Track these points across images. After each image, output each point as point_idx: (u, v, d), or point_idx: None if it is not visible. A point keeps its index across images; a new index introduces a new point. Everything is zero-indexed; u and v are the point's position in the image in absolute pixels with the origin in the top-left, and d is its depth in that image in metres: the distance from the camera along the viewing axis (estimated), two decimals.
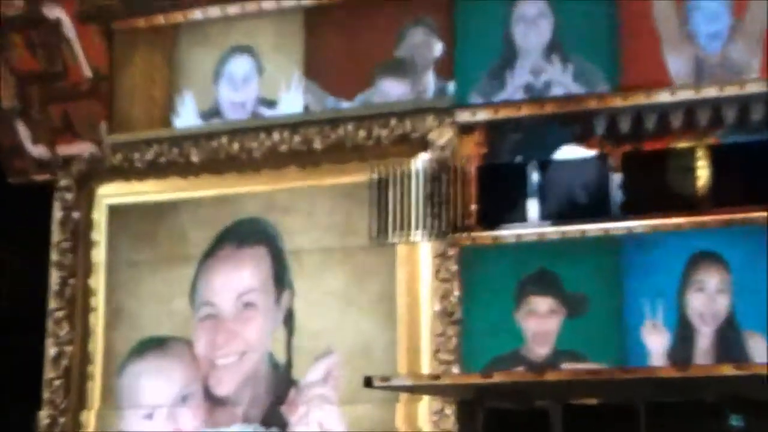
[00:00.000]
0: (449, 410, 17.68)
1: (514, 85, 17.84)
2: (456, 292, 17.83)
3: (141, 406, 19.06)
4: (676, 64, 17.27)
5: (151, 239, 19.58)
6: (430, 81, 18.34)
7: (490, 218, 17.83)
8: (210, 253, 19.17)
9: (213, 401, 18.85)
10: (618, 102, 17.24)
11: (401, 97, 18.43)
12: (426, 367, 17.85)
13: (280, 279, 18.75)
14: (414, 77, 18.42)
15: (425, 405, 17.83)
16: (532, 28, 17.94)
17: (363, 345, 18.26)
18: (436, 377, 16.87)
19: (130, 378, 19.33)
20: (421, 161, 18.11)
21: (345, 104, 18.74)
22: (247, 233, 18.97)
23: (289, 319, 18.63)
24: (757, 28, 17.07)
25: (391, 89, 18.53)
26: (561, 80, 17.61)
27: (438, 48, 18.38)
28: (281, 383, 18.57)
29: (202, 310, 19.08)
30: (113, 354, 19.51)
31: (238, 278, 18.93)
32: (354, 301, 18.38)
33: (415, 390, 17.45)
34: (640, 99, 17.15)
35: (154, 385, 19.13)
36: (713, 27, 17.28)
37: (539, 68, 17.75)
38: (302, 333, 18.53)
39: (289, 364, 18.53)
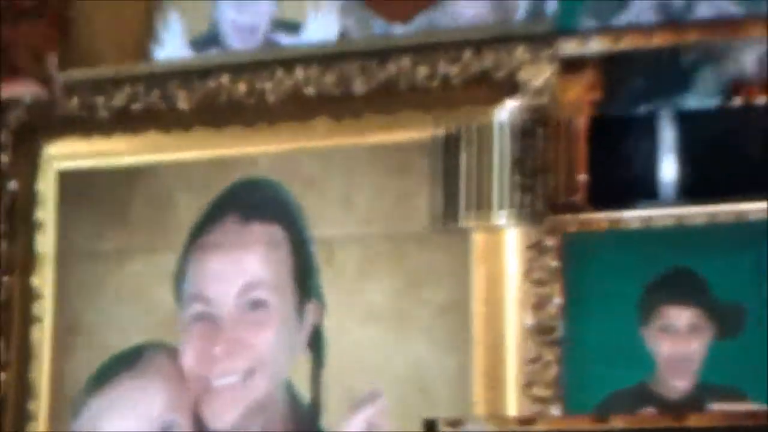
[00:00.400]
0: None
1: (642, 3, 17.92)
2: (556, 300, 17.59)
3: None
4: None
5: (120, 219, 19.24)
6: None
7: (606, 193, 17.65)
8: (203, 228, 18.91)
9: None
10: None
11: (479, 21, 18.61)
12: (513, 406, 17.50)
13: (303, 282, 18.43)
14: None
15: None
16: None
17: (421, 379, 17.82)
18: (529, 421, 16.89)
19: (90, 419, 19.39)
20: (506, 111, 18.12)
21: (399, 30, 18.95)
22: (256, 203, 18.64)
23: (316, 343, 18.26)
24: None
25: (465, 10, 18.71)
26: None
27: None
28: (305, 428, 18.40)
29: (191, 307, 18.55)
30: (65, 385, 19.01)
31: (243, 265, 18.44)
32: (407, 318, 18.14)
33: None
34: None
35: (122, 417, 18.97)
36: None
37: None
38: (335, 365, 18.25)
39: (316, 406, 18.21)
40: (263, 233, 19.11)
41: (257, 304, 19.04)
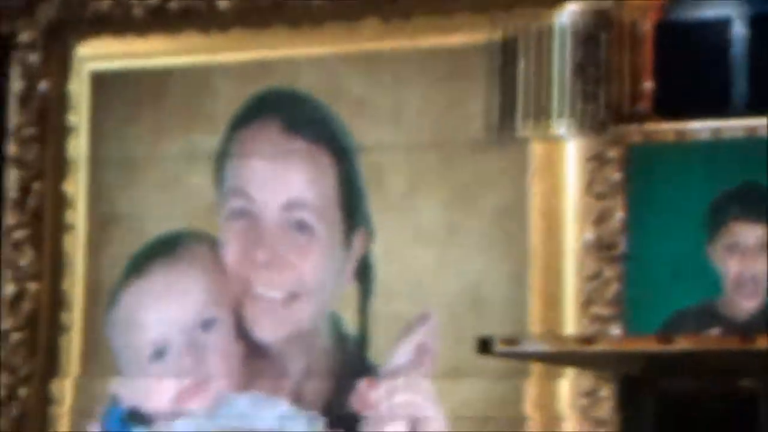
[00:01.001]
0: (605, 391, 17.44)
1: None
2: (619, 214, 17.39)
3: (144, 344, 19.02)
4: None
5: (156, 119, 19.32)
6: None
7: (673, 102, 17.33)
8: (242, 124, 18.92)
9: (250, 345, 18.65)
10: None
11: None
12: (571, 325, 17.55)
13: (351, 210, 18.40)
14: None
15: (569, 383, 17.59)
16: None
17: (474, 296, 17.92)
18: (590, 341, 16.18)
19: (126, 310, 19.25)
20: (568, 14, 17.55)
21: None
22: (303, 117, 18.59)
23: (364, 274, 18.30)
24: None
25: None
26: None
27: None
28: (351, 364, 18.34)
29: (233, 200, 18.80)
30: (100, 290, 19.39)
31: (285, 176, 18.54)
32: (463, 231, 17.99)
33: (556, 359, 16.83)
34: None
35: (162, 310, 19.02)
36: None
37: None
38: (384, 290, 18.19)
39: (363, 339, 18.24)
40: (308, 154, 18.40)
41: (302, 226, 18.43)
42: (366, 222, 18.34)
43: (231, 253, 18.69)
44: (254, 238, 18.60)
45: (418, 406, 17.96)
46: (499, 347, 17.00)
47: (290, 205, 18.48)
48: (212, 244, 18.74)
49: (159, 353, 18.92)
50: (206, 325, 18.74)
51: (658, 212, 17.35)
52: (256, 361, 18.59)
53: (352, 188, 18.44)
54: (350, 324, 18.36)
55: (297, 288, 18.46)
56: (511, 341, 17.23)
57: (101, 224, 19.49)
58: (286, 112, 18.67)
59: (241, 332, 18.65)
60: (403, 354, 18.06)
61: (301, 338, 18.45)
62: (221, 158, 18.88)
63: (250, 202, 18.64)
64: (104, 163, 19.51)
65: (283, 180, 18.51)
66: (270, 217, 18.54)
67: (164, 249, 19.05)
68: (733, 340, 16.54)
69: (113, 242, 19.39)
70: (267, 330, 18.56)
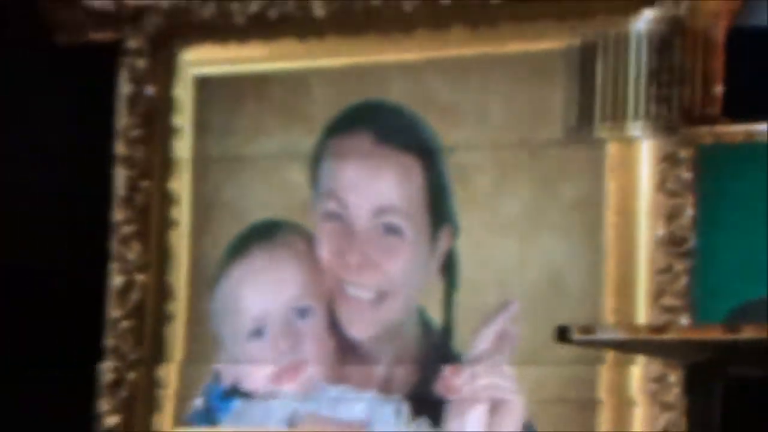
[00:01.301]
0: (674, 377, 17.58)
1: None
2: (689, 211, 17.73)
3: (245, 322, 19.39)
4: None
5: (255, 120, 19.76)
6: None
7: (743, 105, 17.57)
8: (337, 132, 19.32)
9: (340, 341, 19.04)
10: None
11: None
12: (643, 315, 17.84)
13: (438, 208, 18.79)
14: None
15: (639, 369, 17.82)
16: None
17: (552, 286, 18.25)
18: (660, 330, 16.42)
19: (229, 289, 19.64)
20: (643, 21, 17.94)
21: None
22: (390, 127, 19.04)
23: (450, 268, 18.69)
24: None
25: None
26: None
27: None
28: (436, 353, 18.68)
29: (325, 202, 19.21)
30: (202, 280, 19.85)
31: (377, 185, 18.99)
32: (542, 226, 18.36)
33: (628, 347, 16.56)
34: None
35: (262, 290, 19.43)
36: None
37: None
38: (468, 283, 18.58)
39: (448, 328, 18.67)
40: (397, 161, 19.02)
41: (391, 230, 19.08)
42: (451, 219, 18.76)
43: (324, 251, 19.12)
44: (346, 241, 19.01)
45: (499, 389, 18.35)
46: (576, 335, 17.47)
47: (380, 211, 18.91)
48: (308, 238, 19.20)
49: (257, 332, 19.31)
50: (302, 313, 19.20)
51: (727, 209, 17.69)
52: (346, 353, 19.06)
53: (438, 188, 18.84)
54: (435, 315, 18.74)
55: (386, 287, 18.88)
56: (587, 330, 17.67)
57: (204, 219, 19.97)
58: (378, 123, 19.13)
59: (334, 326, 19.10)
60: (485, 341, 18.44)
61: (390, 333, 18.92)
62: (316, 161, 19.32)
63: (342, 206, 19.04)
64: (207, 162, 20.01)
65: (374, 187, 18.96)
66: (361, 222, 18.97)
67: (264, 233, 19.47)
68: None
69: (215, 235, 19.83)
70: (357, 329, 18.98)
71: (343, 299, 19.01)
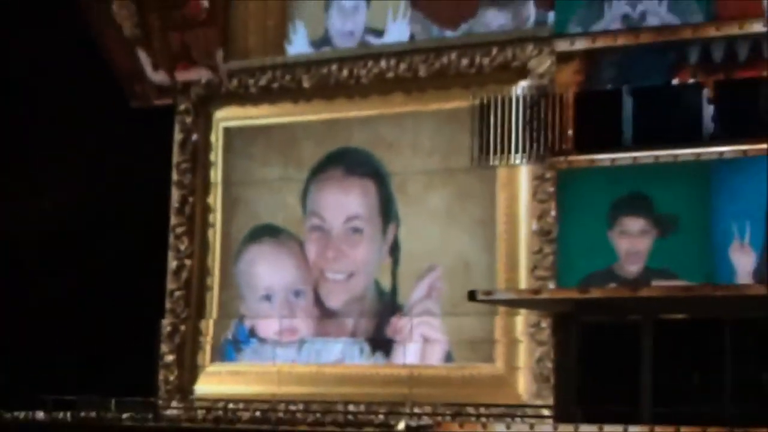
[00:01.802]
0: (545, 323, 17.94)
1: (612, 15, 17.70)
2: (553, 212, 17.96)
3: (259, 287, 19.46)
4: None
5: (264, 158, 19.82)
6: (530, 11, 18.40)
7: (587, 143, 17.69)
8: (319, 171, 19.43)
9: (323, 311, 19.20)
10: (712, 31, 17.10)
11: (502, 27, 18.46)
12: (523, 282, 18.08)
13: (386, 212, 19.09)
14: (515, 7, 18.45)
15: (522, 318, 18.07)
16: None
17: (464, 261, 18.43)
18: (537, 292, 17.07)
19: (247, 264, 19.73)
20: (521, 88, 18.19)
21: (449, 33, 18.80)
22: (355, 163, 19.27)
23: (394, 250, 18.97)
24: None
25: (493, 19, 18.57)
26: (657, 11, 17.46)
27: None
28: (387, 308, 18.92)
29: (311, 219, 19.43)
30: (229, 263, 19.80)
31: (346, 201, 19.32)
32: (456, 221, 18.55)
33: (516, 304, 17.72)
34: (733, 29, 16.96)
35: (271, 271, 19.50)
36: None
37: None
38: (406, 257, 18.79)
39: (394, 290, 18.91)
40: (360, 185, 19.36)
41: (356, 230, 19.49)
42: (396, 218, 19.01)
43: (311, 252, 19.41)
44: (325, 243, 19.33)
45: (429, 331, 18.54)
46: (481, 296, 17.54)
47: (349, 219, 19.25)
48: (300, 243, 19.46)
49: (267, 297, 19.54)
50: (296, 293, 19.43)
51: (578, 210, 17.72)
52: (327, 319, 19.23)
53: (387, 199, 19.10)
54: (386, 283, 19.00)
55: (353, 269, 19.20)
56: (488, 293, 17.80)
57: (229, 222, 19.96)
58: (346, 161, 19.34)
59: (318, 302, 19.34)
60: (419, 291, 18.73)
61: (355, 299, 19.18)
62: (305, 192, 19.48)
63: (323, 221, 19.37)
64: (232, 184, 20.06)
65: (344, 203, 19.29)
66: (336, 228, 19.31)
67: (271, 231, 19.66)
68: (628, 290, 17.05)
69: (238, 229, 19.90)
70: (334, 300, 19.26)
71: (324, 282, 19.28)
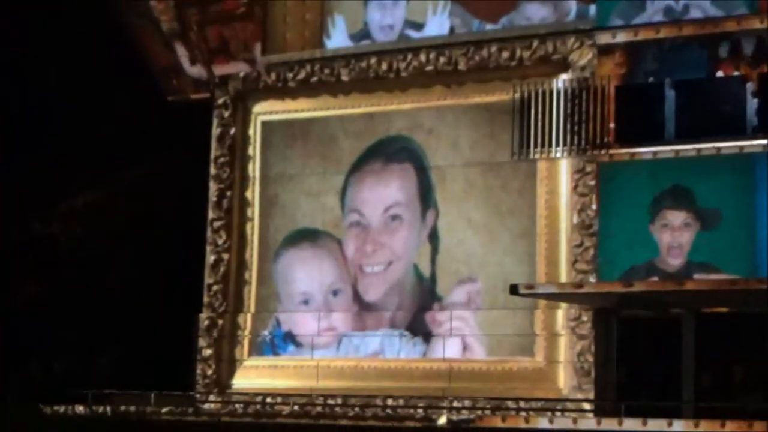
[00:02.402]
0: (586, 317, 17.71)
1: (654, 8, 17.62)
2: (594, 206, 17.76)
3: (296, 292, 19.35)
4: None
5: (302, 148, 19.70)
6: (571, 3, 18.20)
7: (628, 136, 17.63)
8: (358, 166, 19.34)
9: (361, 305, 19.10)
10: (757, 24, 16.94)
11: (543, 20, 18.31)
12: (564, 276, 17.86)
13: (426, 197, 18.93)
14: (556, 0, 18.31)
15: (562, 312, 17.86)
16: None
17: (503, 255, 18.18)
18: (580, 286, 16.96)
19: (285, 267, 19.62)
20: (561, 81, 17.97)
21: (489, 26, 18.66)
22: (394, 150, 19.12)
23: (433, 237, 18.81)
24: None
25: (534, 12, 18.44)
26: (700, 3, 17.37)
27: None
28: (426, 294, 18.79)
29: (350, 216, 19.32)
30: (267, 258, 19.66)
31: (385, 192, 19.14)
32: (495, 216, 18.28)
33: (558, 298, 17.59)
34: None
35: (308, 274, 19.40)
36: None
37: None
38: (446, 252, 18.59)
39: (433, 279, 18.75)
40: (399, 171, 19.13)
41: (395, 217, 19.24)
42: (435, 205, 18.78)
43: (350, 249, 19.23)
44: (364, 238, 19.14)
45: (466, 329, 18.36)
46: (523, 290, 17.64)
47: (388, 208, 19.04)
48: (339, 242, 19.28)
49: (305, 301, 19.43)
50: (335, 293, 19.27)
51: (619, 203, 17.63)
52: (365, 313, 19.02)
53: (426, 185, 18.85)
54: (425, 269, 18.78)
55: (392, 258, 19.00)
56: (530, 287, 17.74)
57: (267, 217, 19.82)
58: (386, 151, 19.12)
59: (357, 297, 19.16)
60: (457, 295, 18.52)
61: (395, 287, 18.96)
62: (344, 189, 19.30)
63: (362, 216, 19.20)
64: (270, 179, 19.88)
65: (383, 194, 19.07)
66: (375, 221, 19.13)
67: (309, 235, 19.50)
68: (672, 284, 17.08)
69: (275, 230, 19.75)
70: (373, 293, 19.08)
71: (362, 276, 19.10)
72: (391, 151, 19.05)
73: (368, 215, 19.08)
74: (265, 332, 19.59)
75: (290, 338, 19.46)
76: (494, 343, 18.16)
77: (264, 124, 20.01)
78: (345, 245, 19.17)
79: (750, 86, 17.01)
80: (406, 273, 18.83)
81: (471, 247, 18.49)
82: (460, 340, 18.33)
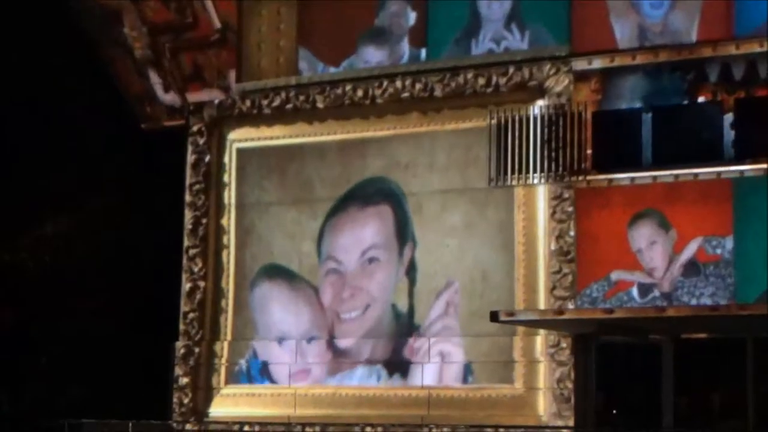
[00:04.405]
0: (565, 343, 17.36)
1: (479, 50, 17.93)
2: (571, 232, 17.41)
3: (271, 329, 18.95)
4: (622, 30, 17.53)
5: (278, 181, 19.34)
6: (404, 47, 18.37)
7: (605, 162, 17.20)
8: (335, 212, 18.94)
9: (336, 351, 18.67)
10: (732, 50, 16.53)
11: (380, 64, 18.42)
12: (542, 302, 17.51)
13: (403, 233, 18.59)
14: (391, 44, 18.48)
15: (541, 338, 17.53)
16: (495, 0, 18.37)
17: (480, 284, 17.84)
18: (561, 312, 16.60)
19: (261, 299, 19.22)
20: (538, 107, 17.65)
21: (333, 69, 18.61)
22: (371, 192, 18.75)
23: (411, 270, 18.48)
24: None
25: (371, 56, 18.59)
26: (517, 45, 17.88)
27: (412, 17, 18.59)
28: (403, 330, 18.41)
29: (327, 263, 18.97)
30: (244, 287, 19.29)
31: (363, 236, 18.77)
32: (473, 240, 17.99)
33: (539, 324, 17.26)
34: (753, 47, 16.41)
35: (284, 315, 18.98)
36: None
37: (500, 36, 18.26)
38: (423, 276, 18.29)
39: (411, 311, 18.41)
40: (376, 213, 18.68)
41: (372, 260, 18.74)
42: (413, 237, 18.42)
43: (326, 297, 18.76)
44: (341, 285, 18.69)
45: (446, 352, 17.90)
46: (503, 317, 17.24)
47: (365, 252, 18.64)
48: (315, 289, 18.80)
49: (280, 340, 18.94)
50: (309, 339, 18.79)
51: (757, 223, 16.57)
52: (341, 358, 18.55)
53: (403, 220, 18.50)
54: (402, 304, 18.40)
55: (369, 301, 18.60)
56: (510, 313, 17.34)
57: (243, 244, 19.39)
58: (362, 194, 18.68)
59: (331, 344, 18.67)
60: (437, 308, 18.10)
61: (372, 330, 18.53)
62: (320, 236, 18.85)
63: (339, 264, 18.75)
64: (246, 207, 19.44)
65: (360, 237, 18.66)
66: (351, 266, 18.69)
67: (285, 273, 19.02)
68: (652, 311, 16.59)
69: (251, 258, 19.32)
70: (348, 340, 18.61)
71: (339, 323, 18.67)
72: (367, 193, 18.65)
73: (345, 261, 18.68)
74: (242, 361, 19.12)
75: (266, 370, 18.96)
76: (473, 369, 17.72)
77: (239, 151, 19.57)
78: (321, 293, 18.77)
79: (726, 112, 16.73)
80: (384, 313, 18.45)
81: (447, 270, 17.99)
82: (439, 366, 17.85)
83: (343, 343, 18.61)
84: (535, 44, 17.71)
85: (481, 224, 17.94)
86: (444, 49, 18.13)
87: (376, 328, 18.47)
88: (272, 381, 18.91)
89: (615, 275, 17.04)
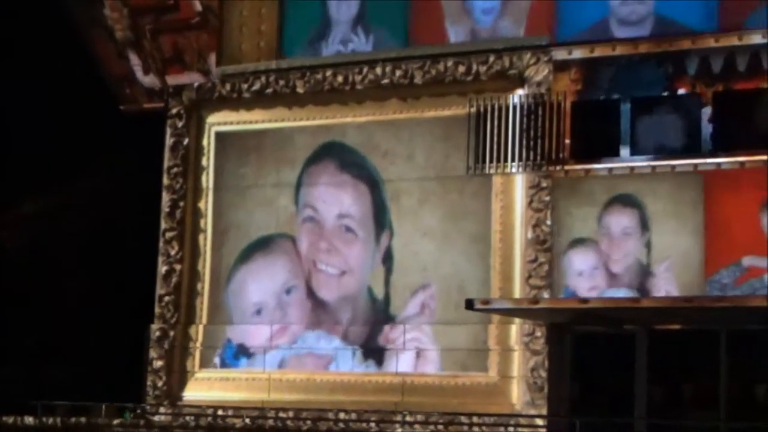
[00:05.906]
0: (539, 332, 17.30)
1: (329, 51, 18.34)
2: (548, 221, 17.33)
3: (249, 305, 18.81)
4: (456, 33, 17.91)
5: (257, 163, 19.16)
6: None
7: (583, 152, 17.18)
8: (312, 162, 18.76)
9: (315, 301, 18.52)
10: (711, 42, 16.44)
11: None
12: (518, 291, 17.44)
13: (381, 219, 18.48)
14: None
15: (516, 327, 17.45)
16: (343, 2, 18.62)
17: (458, 271, 17.79)
18: (536, 301, 16.55)
19: (238, 282, 19.08)
20: (517, 96, 17.57)
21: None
22: (349, 161, 18.63)
23: (387, 259, 18.40)
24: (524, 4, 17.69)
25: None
26: (363, 48, 18.19)
27: None
28: (379, 316, 18.34)
29: (304, 211, 18.83)
30: (220, 271, 19.15)
31: (339, 197, 18.62)
32: (450, 230, 17.89)
33: (514, 313, 17.18)
34: (732, 40, 16.32)
35: (261, 283, 18.87)
36: (488, 3, 17.90)
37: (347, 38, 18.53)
38: (400, 268, 18.17)
39: (387, 299, 18.32)
40: (353, 186, 18.56)
41: (348, 229, 18.72)
42: (390, 226, 18.32)
43: (303, 244, 18.66)
44: (318, 235, 18.58)
45: (421, 341, 17.87)
46: (479, 305, 17.19)
47: (341, 216, 18.47)
48: (293, 239, 18.69)
49: (258, 311, 18.84)
50: (288, 290, 18.62)
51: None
52: (319, 311, 18.49)
53: (380, 205, 18.40)
54: (378, 291, 18.31)
55: (345, 268, 18.46)
56: (486, 301, 17.26)
57: (221, 229, 19.27)
58: (340, 157, 18.61)
59: (310, 293, 18.58)
60: (412, 307, 18.07)
61: (348, 299, 18.43)
62: (298, 187, 18.77)
63: (316, 212, 18.62)
64: (224, 190, 19.29)
65: (337, 199, 18.55)
66: (329, 222, 18.57)
67: (262, 245, 18.95)
68: (628, 301, 16.62)
69: (229, 241, 19.18)
70: (326, 293, 18.52)
71: (316, 273, 18.57)
72: (345, 159, 18.55)
73: (322, 212, 18.57)
74: (217, 344, 18.93)
75: (242, 351, 18.80)
76: (447, 357, 17.65)
77: (218, 134, 19.40)
78: (299, 240, 18.65)
79: (705, 104, 16.67)
80: (360, 291, 18.35)
81: (425, 258, 17.95)
82: (414, 353, 17.79)
83: (321, 293, 18.44)
84: (378, 46, 18.03)
85: (459, 214, 17.73)
86: (298, 50, 18.42)
87: (353, 300, 18.35)
88: (249, 357, 18.69)
89: (747, 261, 16.51)
